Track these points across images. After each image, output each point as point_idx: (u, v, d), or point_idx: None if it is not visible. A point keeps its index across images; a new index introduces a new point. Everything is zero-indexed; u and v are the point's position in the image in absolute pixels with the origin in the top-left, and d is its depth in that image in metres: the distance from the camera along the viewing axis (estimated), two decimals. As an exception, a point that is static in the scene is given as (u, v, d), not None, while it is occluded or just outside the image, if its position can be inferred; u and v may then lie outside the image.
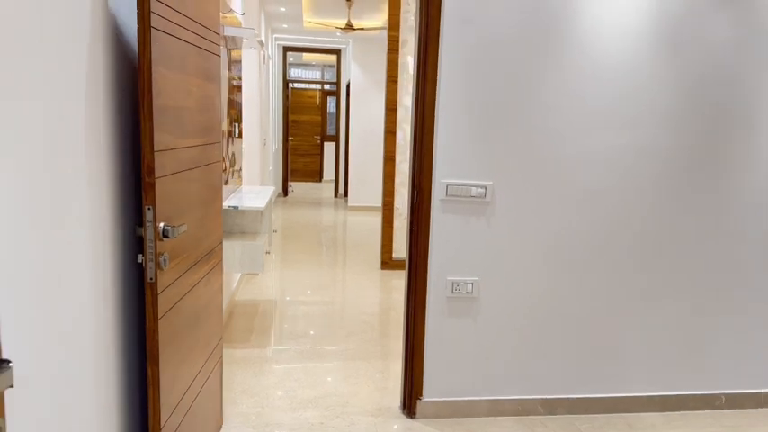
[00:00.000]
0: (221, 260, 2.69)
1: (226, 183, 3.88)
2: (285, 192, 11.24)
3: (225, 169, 3.84)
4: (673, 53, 2.75)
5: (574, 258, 2.86)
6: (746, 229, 2.93)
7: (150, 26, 1.75)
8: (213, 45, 2.49)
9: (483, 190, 2.78)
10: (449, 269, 2.82)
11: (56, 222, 1.40)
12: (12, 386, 0.91)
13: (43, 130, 1.33)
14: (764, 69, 2.80)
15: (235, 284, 4.86)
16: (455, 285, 2.82)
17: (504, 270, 2.84)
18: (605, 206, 2.84)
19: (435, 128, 2.73)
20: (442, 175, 2.75)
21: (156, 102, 1.82)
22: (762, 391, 3.10)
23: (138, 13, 1.73)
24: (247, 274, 5.41)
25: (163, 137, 1.88)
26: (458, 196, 2.77)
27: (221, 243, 2.67)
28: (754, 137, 2.85)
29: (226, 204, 3.69)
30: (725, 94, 2.81)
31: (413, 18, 5.84)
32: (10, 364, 0.91)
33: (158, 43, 1.82)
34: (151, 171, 1.82)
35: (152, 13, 1.76)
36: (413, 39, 5.93)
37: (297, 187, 12.71)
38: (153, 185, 1.83)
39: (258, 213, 3.99)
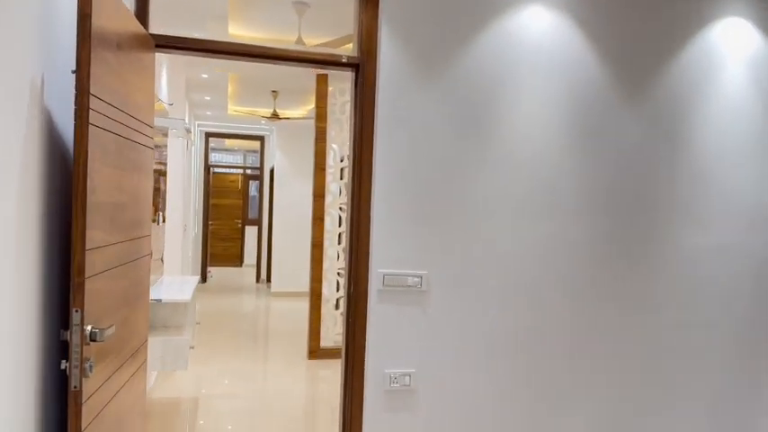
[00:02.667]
0: (146, 360, 2.53)
1: (149, 274, 3.71)
2: (204, 278, 10.88)
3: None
4: (588, 144, 2.96)
5: (508, 347, 2.90)
6: (666, 317, 3.09)
7: (88, 123, 1.71)
8: (147, 138, 2.45)
9: (419, 279, 2.80)
10: (386, 361, 2.78)
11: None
12: None
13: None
14: (671, 165, 3.06)
15: (152, 381, 4.56)
16: (393, 378, 2.78)
17: (441, 360, 2.83)
18: (534, 296, 2.93)
19: (371, 219, 2.76)
20: (379, 265, 2.76)
21: (90, 199, 1.75)
22: (689, 472, 3.17)
23: (75, 110, 1.69)
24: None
25: (95, 234, 1.80)
26: (394, 286, 2.78)
27: (147, 341, 2.53)
28: (667, 226, 3.06)
29: (149, 297, 3.51)
30: (638, 184, 3.03)
31: (338, 110, 6.02)
32: None
33: (95, 139, 1.78)
34: (81, 271, 1.72)
35: (90, 110, 1.72)
36: (337, 129, 6.10)
37: (216, 272, 12.34)
38: (82, 286, 1.72)
39: (182, 306, 3.82)
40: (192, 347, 3.81)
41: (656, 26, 3.02)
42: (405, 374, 2.79)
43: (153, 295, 3.60)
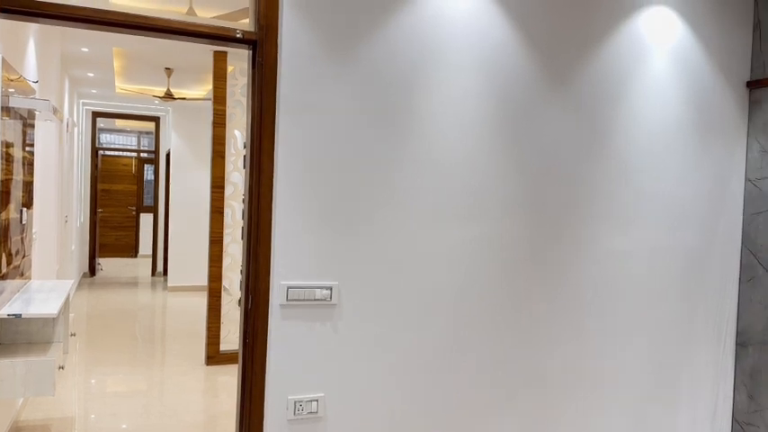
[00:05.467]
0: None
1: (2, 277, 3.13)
2: (93, 271, 9.97)
3: None
4: (512, 138, 2.71)
5: (429, 363, 2.62)
6: (589, 321, 2.92)
7: None
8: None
9: (328, 291, 2.45)
10: (291, 386, 2.42)
11: None
12: None
13: None
14: (596, 161, 2.87)
15: (20, 401, 3.95)
16: (298, 405, 2.42)
17: (355, 381, 2.51)
18: (457, 304, 2.66)
19: (273, 223, 2.38)
20: (282, 276, 2.39)
21: None
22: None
23: None
24: (39, 385, 4.46)
25: None
26: (301, 300, 2.41)
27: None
28: (593, 224, 2.88)
29: (4, 312, 2.95)
30: (563, 181, 2.82)
31: (240, 92, 5.51)
32: None
33: None
34: None
35: None
36: (239, 112, 5.59)
37: (107, 264, 11.40)
38: None
39: (49, 320, 3.27)
40: (62, 368, 3.26)
41: (582, 13, 2.81)
42: (312, 400, 2.44)
43: (12, 309, 3.03)
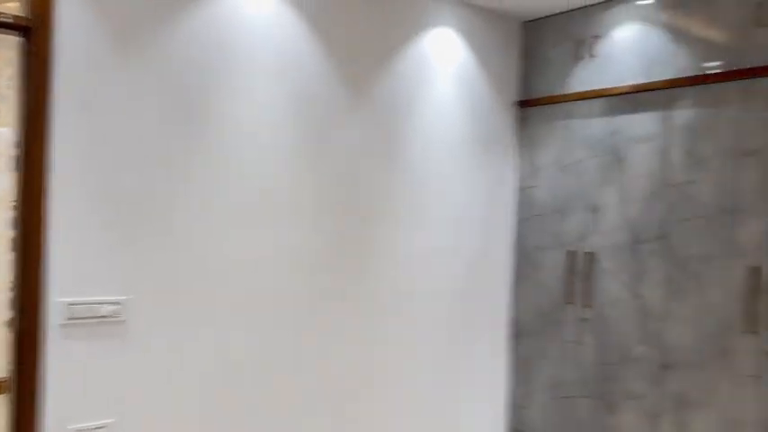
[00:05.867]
0: None
1: None
2: None
3: None
4: (314, 151, 2.75)
5: (228, 377, 2.53)
6: (386, 322, 3.07)
7: None
8: None
9: (116, 307, 2.25)
10: (73, 414, 2.17)
11: None
12: None
13: None
14: (391, 169, 3.03)
15: None
16: (82, 434, 2.19)
17: (148, 404, 2.33)
18: (259, 313, 2.61)
19: (47, 233, 2.12)
20: (61, 293, 2.14)
21: None
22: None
23: None
24: None
25: None
26: (83, 318, 2.18)
27: None
28: (387, 232, 3.03)
29: None
30: (362, 192, 2.93)
31: (4, 84, 4.84)
32: None
33: None
34: None
35: None
36: (5, 108, 4.90)
37: None
38: None
39: None
40: None
41: (380, 28, 2.95)
42: (99, 427, 2.22)
43: None
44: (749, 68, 2.62)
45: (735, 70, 2.67)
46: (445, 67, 3.22)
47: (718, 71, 2.73)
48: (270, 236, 2.63)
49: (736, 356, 2.64)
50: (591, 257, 3.18)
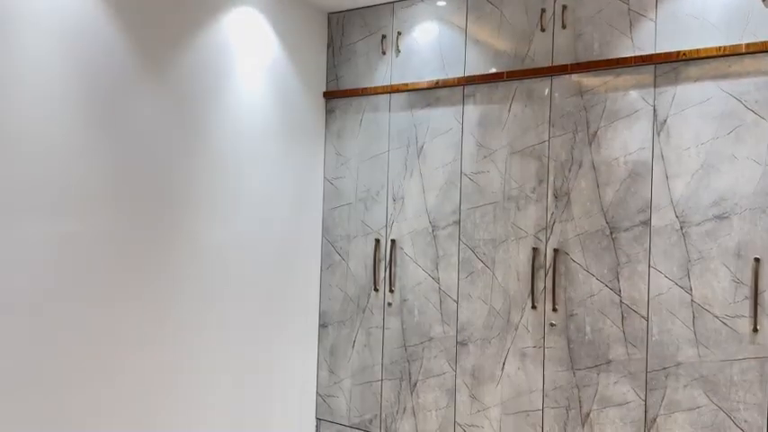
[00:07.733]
0: None
1: None
2: None
3: None
4: (101, 130, 2.47)
5: (8, 392, 2.17)
6: (188, 316, 2.87)
7: None
8: None
9: None
10: None
11: None
12: None
13: None
14: (193, 155, 2.85)
15: None
16: None
17: None
18: (34, 314, 2.27)
19: None
20: None
21: None
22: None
23: None
24: None
25: None
26: None
27: None
28: (190, 218, 2.84)
29: None
30: (160, 178, 2.70)
31: None
32: None
33: None
34: None
35: None
36: None
37: None
38: None
39: None
40: None
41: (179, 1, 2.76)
42: None
43: None
44: (531, 69, 2.92)
45: (519, 70, 2.96)
46: (251, 53, 3.11)
47: (504, 70, 3.00)
48: (51, 227, 2.30)
49: (521, 330, 2.92)
50: (394, 244, 3.30)
